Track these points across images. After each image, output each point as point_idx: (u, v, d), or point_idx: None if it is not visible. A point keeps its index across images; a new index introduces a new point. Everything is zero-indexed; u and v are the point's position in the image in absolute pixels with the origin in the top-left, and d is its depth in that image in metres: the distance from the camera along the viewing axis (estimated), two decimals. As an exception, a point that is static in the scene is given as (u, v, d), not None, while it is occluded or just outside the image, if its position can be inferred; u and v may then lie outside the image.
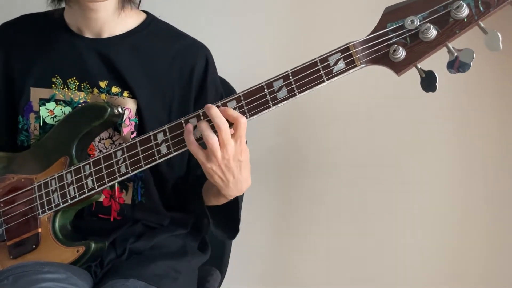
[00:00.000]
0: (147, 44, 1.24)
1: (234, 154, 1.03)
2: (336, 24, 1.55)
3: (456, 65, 0.94)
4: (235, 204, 1.19)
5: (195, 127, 1.06)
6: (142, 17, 1.27)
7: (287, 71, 1.02)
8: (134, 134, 1.21)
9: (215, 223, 1.23)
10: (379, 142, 1.61)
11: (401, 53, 0.96)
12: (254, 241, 1.67)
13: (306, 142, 1.64)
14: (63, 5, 1.23)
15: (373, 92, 1.57)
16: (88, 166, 1.13)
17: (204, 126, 1.03)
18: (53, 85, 1.21)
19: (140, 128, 1.21)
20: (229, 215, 1.22)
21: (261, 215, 1.67)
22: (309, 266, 1.69)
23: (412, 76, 0.99)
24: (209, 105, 1.03)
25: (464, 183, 1.60)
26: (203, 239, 1.36)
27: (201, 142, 1.04)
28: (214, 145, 1.01)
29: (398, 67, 0.97)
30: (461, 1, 0.92)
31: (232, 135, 1.02)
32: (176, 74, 1.23)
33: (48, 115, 1.21)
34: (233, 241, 1.47)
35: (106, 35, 1.22)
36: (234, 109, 1.04)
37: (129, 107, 1.20)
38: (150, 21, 1.27)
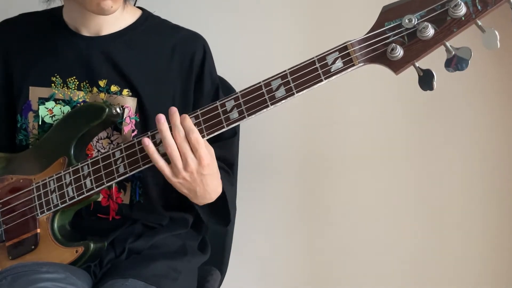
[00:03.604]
0: (145, 40, 1.24)
1: (196, 168, 1.05)
2: (334, 23, 1.54)
3: (454, 63, 0.94)
4: (223, 199, 1.19)
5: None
6: (138, 13, 1.27)
7: (285, 71, 1.02)
8: (135, 132, 1.21)
9: (207, 217, 1.24)
10: (378, 142, 1.60)
11: (399, 52, 0.96)
12: (254, 241, 1.67)
13: (306, 143, 1.64)
14: (56, 3, 1.23)
15: (371, 90, 1.57)
16: (86, 166, 1.13)
17: (165, 132, 1.05)
18: (53, 84, 1.22)
19: (142, 125, 1.21)
20: (218, 208, 1.22)
21: (261, 215, 1.66)
22: (309, 266, 1.69)
23: (410, 74, 0.99)
24: (161, 116, 1.05)
25: (465, 184, 1.60)
26: (203, 239, 1.36)
27: (166, 157, 1.06)
28: (173, 153, 1.04)
29: (396, 66, 0.97)
30: (459, 0, 0.92)
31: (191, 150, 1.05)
32: (176, 66, 1.23)
33: (47, 114, 1.22)
34: (233, 241, 1.47)
35: (104, 32, 1.22)
36: (232, 108, 1.05)
37: (128, 105, 1.20)
38: (146, 16, 1.27)
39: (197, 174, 1.06)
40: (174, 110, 1.05)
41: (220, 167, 1.17)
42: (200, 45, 1.26)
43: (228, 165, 1.28)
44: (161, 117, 1.05)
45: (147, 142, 1.06)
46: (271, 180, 1.65)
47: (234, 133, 1.30)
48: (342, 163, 1.62)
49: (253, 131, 1.57)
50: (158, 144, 1.08)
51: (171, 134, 1.05)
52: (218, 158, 1.17)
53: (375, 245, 1.65)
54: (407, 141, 1.59)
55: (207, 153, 1.06)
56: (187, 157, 1.04)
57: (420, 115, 1.57)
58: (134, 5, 1.28)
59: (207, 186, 1.09)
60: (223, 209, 1.21)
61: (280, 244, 1.68)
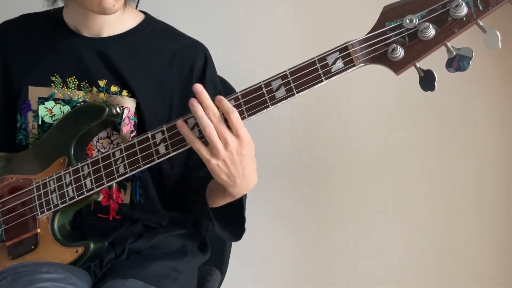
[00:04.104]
0: (147, 44, 1.24)
1: (236, 147, 1.02)
2: (335, 23, 1.54)
3: (455, 64, 0.94)
4: (239, 203, 1.18)
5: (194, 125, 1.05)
6: (140, 17, 1.27)
7: (285, 71, 1.01)
8: (134, 133, 1.21)
9: (220, 225, 1.19)
10: (378, 142, 1.60)
11: (400, 52, 0.96)
12: (254, 241, 1.67)
13: (306, 144, 1.64)
14: (60, 4, 1.23)
15: (373, 91, 1.57)
16: (86, 166, 1.13)
17: (200, 113, 1.01)
18: (52, 84, 1.21)
19: (140, 127, 1.21)
20: (233, 216, 1.19)
21: (261, 215, 1.66)
22: (309, 267, 1.69)
23: (411, 75, 0.98)
24: (201, 92, 1.02)
25: (466, 184, 1.59)
26: (203, 239, 1.36)
27: (204, 140, 1.03)
28: (212, 133, 1.00)
29: (397, 66, 0.97)
30: (460, 0, 0.92)
31: (229, 128, 1.01)
32: (175, 72, 1.23)
33: (47, 114, 1.22)
34: (233, 241, 1.48)
35: (105, 34, 1.22)
36: (232, 108, 1.04)
37: (128, 106, 1.20)
38: (149, 21, 1.27)
39: (237, 154, 1.02)
40: (201, 89, 1.02)
41: None
42: (201, 53, 1.26)
43: None
44: (194, 100, 1.03)
45: (181, 123, 1.04)
46: (271, 180, 1.65)
47: None
48: (342, 163, 1.62)
49: (253, 130, 1.56)
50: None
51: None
52: None
53: (376, 246, 1.65)
54: (408, 142, 1.59)
55: (247, 132, 1.03)
56: (226, 137, 1.00)
57: (422, 116, 1.57)
58: (136, 8, 1.28)
59: (246, 169, 1.04)
60: (238, 217, 1.18)
61: (280, 244, 1.68)
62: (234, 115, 1.01)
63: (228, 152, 1.01)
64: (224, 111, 1.01)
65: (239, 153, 1.02)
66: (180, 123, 1.04)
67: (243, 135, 1.02)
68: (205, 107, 1.02)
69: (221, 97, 1.02)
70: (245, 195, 1.19)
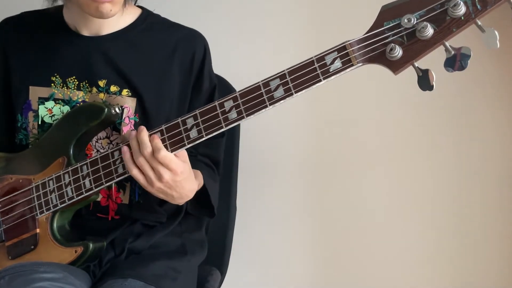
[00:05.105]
0: (146, 39, 1.24)
1: (171, 177, 1.07)
2: (334, 22, 1.54)
3: (454, 63, 0.93)
4: (205, 194, 1.22)
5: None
6: (137, 12, 1.27)
7: (283, 70, 1.01)
8: (134, 133, 1.21)
9: (192, 210, 1.28)
10: (381, 142, 1.60)
11: (398, 52, 0.95)
12: (255, 241, 1.67)
13: (308, 144, 1.64)
14: (59, 2, 1.23)
15: (376, 89, 1.56)
16: (85, 166, 1.13)
17: (127, 157, 1.08)
18: (52, 84, 1.21)
19: (141, 125, 1.21)
20: (202, 204, 1.25)
21: (262, 215, 1.66)
22: (309, 267, 1.69)
23: (409, 74, 0.98)
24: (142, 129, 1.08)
25: (465, 184, 1.59)
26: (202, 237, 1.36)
27: None
28: (143, 166, 1.06)
29: (395, 66, 0.97)
30: (458, -1, 0.91)
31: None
32: (177, 65, 1.23)
33: (47, 114, 1.22)
34: (233, 241, 1.47)
35: (104, 32, 1.22)
36: (231, 108, 1.04)
37: (128, 105, 1.20)
38: (146, 15, 1.27)
39: (172, 182, 1.08)
40: (141, 128, 1.08)
41: (204, 163, 1.23)
42: (200, 44, 1.26)
43: (213, 162, 1.30)
44: (133, 133, 1.08)
45: (126, 149, 1.09)
46: (272, 180, 1.65)
47: (222, 134, 1.30)
48: (344, 163, 1.62)
49: (255, 130, 1.56)
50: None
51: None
52: (204, 155, 1.22)
53: (378, 247, 1.64)
54: (411, 142, 1.59)
55: (179, 162, 1.07)
56: (159, 170, 1.06)
57: (424, 115, 1.57)
58: (135, 4, 1.28)
59: (183, 189, 1.11)
60: (205, 204, 1.24)
61: (281, 244, 1.68)
62: (161, 155, 1.06)
63: (164, 183, 1.07)
64: (153, 149, 1.06)
65: (175, 181, 1.08)
66: (125, 148, 1.09)
67: (175, 168, 1.07)
68: (139, 142, 1.07)
69: (154, 136, 1.07)
70: (217, 186, 1.27)
